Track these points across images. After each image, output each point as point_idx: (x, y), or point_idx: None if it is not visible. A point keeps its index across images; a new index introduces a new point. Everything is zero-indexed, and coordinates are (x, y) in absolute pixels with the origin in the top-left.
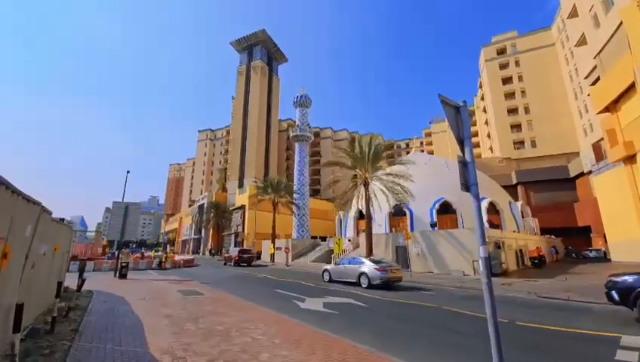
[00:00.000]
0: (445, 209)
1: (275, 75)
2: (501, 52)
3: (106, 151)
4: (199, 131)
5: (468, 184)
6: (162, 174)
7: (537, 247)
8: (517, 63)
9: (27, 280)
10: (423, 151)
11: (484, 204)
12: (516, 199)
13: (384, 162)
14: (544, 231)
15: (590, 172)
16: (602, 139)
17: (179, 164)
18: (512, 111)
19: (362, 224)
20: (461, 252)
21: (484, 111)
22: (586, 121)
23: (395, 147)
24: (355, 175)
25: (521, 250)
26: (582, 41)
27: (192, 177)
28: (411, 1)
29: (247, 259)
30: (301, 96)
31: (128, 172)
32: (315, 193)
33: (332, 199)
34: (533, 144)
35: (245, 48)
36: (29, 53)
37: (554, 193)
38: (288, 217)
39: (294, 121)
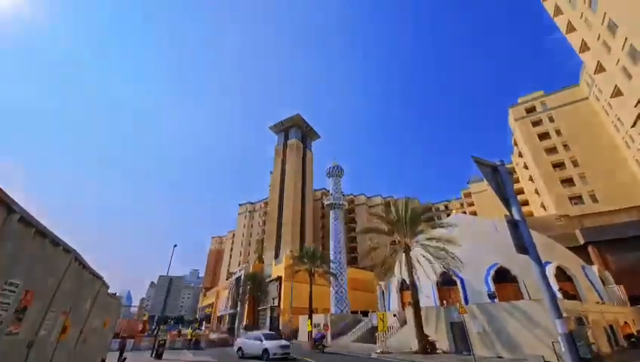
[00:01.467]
0: (503, 276)
1: (308, 150)
2: (530, 110)
3: (152, 224)
4: (240, 205)
5: (524, 245)
6: (205, 247)
7: (625, 322)
8: (551, 119)
9: (77, 353)
10: (464, 212)
11: (551, 269)
12: (588, 262)
13: (424, 226)
14: (634, 299)
15: None
16: None
17: (220, 237)
18: (559, 165)
19: (407, 295)
20: (533, 330)
21: (525, 167)
22: None
23: (433, 210)
24: (394, 241)
25: (611, 326)
26: (617, 93)
27: (232, 249)
28: (434, 65)
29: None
30: (333, 167)
31: (175, 246)
32: (352, 261)
33: (371, 268)
34: (594, 198)
35: (282, 130)
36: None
37: (637, 253)
38: (325, 289)
39: (328, 190)
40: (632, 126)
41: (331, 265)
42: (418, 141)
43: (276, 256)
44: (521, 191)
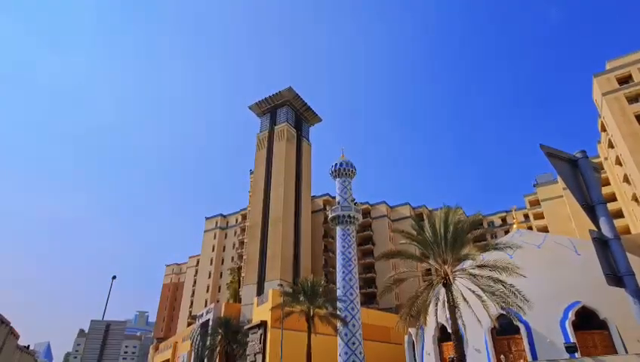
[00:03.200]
0: (586, 320)
1: (305, 140)
2: (624, 80)
3: (83, 250)
4: (207, 218)
5: (617, 274)
6: (157, 281)
7: None
8: None
9: None
10: (530, 228)
11: None
12: None
13: (472, 248)
14: None
15: None
16: None
17: (178, 265)
18: None
19: (448, 348)
20: None
21: (619, 163)
22: None
23: (485, 224)
24: (429, 269)
25: None
26: None
27: (195, 282)
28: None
29: None
30: (341, 163)
31: (114, 278)
32: (369, 299)
33: (396, 308)
34: None
35: (267, 111)
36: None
37: None
38: (331, 339)
39: (333, 197)
40: None
41: (339, 304)
42: (461, 130)
43: (259, 291)
44: (612, 198)
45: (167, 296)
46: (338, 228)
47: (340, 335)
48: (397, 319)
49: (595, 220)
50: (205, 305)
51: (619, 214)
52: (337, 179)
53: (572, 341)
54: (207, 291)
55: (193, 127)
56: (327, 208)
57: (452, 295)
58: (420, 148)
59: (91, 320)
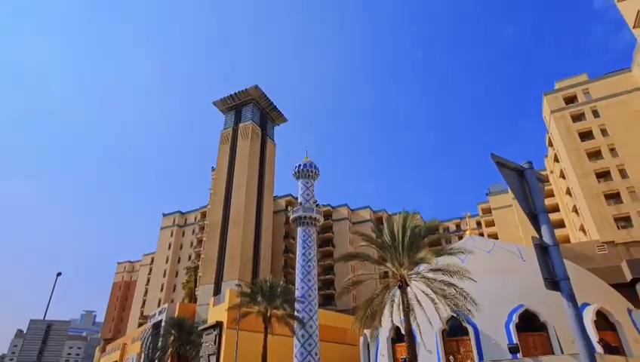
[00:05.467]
0: (529, 323)
1: (269, 139)
2: (570, 100)
3: (25, 244)
4: (164, 215)
5: (554, 279)
6: (106, 280)
7: None
8: (595, 113)
9: None
10: (482, 234)
11: (589, 314)
12: (637, 305)
13: (427, 252)
14: None
15: None
16: None
17: (131, 263)
18: (603, 175)
19: (401, 349)
20: None
21: (562, 176)
22: None
23: (440, 230)
24: (387, 272)
25: None
26: None
27: (149, 281)
28: (446, 52)
29: None
30: (304, 164)
31: (59, 274)
32: (327, 301)
33: (353, 310)
34: None
35: (232, 108)
36: None
37: None
38: (288, 340)
39: (295, 198)
40: None
41: (297, 305)
42: (422, 138)
43: (216, 291)
44: (555, 209)
45: (118, 295)
46: (299, 230)
47: (297, 336)
48: (353, 320)
49: (537, 228)
50: (159, 305)
51: (561, 224)
52: (300, 180)
53: (515, 342)
54: (162, 290)
55: (155, 120)
56: (289, 209)
57: (407, 297)
58: (384, 153)
59: (30, 320)
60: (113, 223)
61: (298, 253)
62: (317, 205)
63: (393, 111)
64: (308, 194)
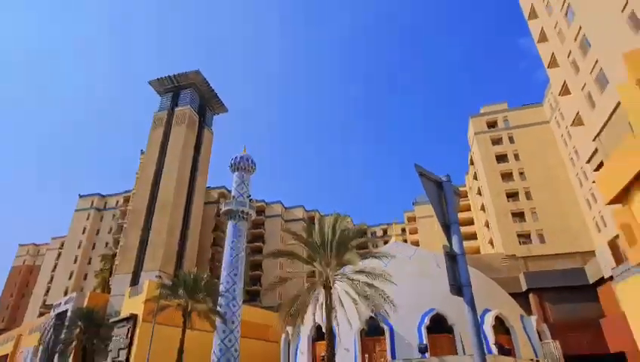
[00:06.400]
0: (439, 325)
1: (207, 128)
2: (492, 125)
3: None
4: (81, 196)
5: (459, 285)
6: (4, 262)
7: None
8: (511, 139)
9: None
10: (405, 240)
11: (489, 319)
12: (529, 312)
13: (353, 254)
14: (570, 359)
15: (611, 277)
16: (618, 236)
17: (36, 246)
18: (512, 195)
19: (322, 347)
20: None
21: (479, 193)
22: (596, 212)
23: (368, 234)
24: (314, 271)
25: None
26: (578, 122)
27: (56, 266)
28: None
29: None
30: (241, 157)
31: None
32: (252, 297)
33: (277, 307)
34: (542, 238)
35: (169, 90)
36: None
37: (575, 304)
38: (207, 336)
39: (229, 191)
40: (588, 161)
41: (220, 300)
42: (361, 148)
43: (134, 281)
44: (470, 222)
45: (17, 280)
46: (230, 223)
47: (218, 331)
48: (277, 317)
49: (449, 237)
50: (65, 294)
51: (474, 237)
52: (236, 173)
53: (425, 342)
54: (70, 278)
55: (84, 90)
56: (222, 201)
57: (330, 297)
58: (324, 157)
59: None
60: (17, 200)
61: (226, 246)
62: (250, 200)
63: (336, 119)
64: (242, 188)
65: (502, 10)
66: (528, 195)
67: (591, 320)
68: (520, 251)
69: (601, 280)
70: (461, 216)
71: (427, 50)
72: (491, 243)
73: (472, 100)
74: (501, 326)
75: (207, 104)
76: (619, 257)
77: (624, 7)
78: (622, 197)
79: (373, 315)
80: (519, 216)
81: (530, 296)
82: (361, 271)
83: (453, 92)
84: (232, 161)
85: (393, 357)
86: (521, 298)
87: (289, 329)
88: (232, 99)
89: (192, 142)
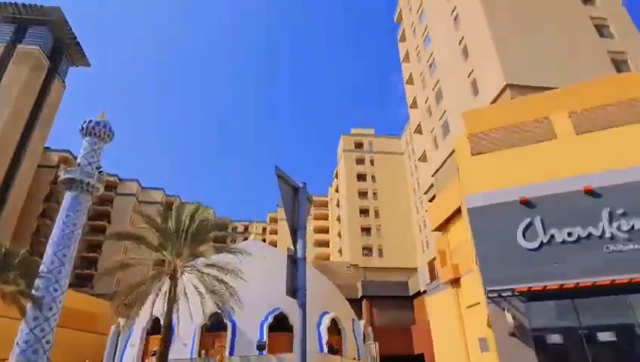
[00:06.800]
0: (281, 324)
1: (58, 79)
2: (359, 146)
3: None
4: None
5: (295, 287)
6: None
7: None
8: (372, 162)
9: None
10: (264, 240)
11: (326, 321)
12: (361, 316)
13: (209, 247)
14: (384, 359)
15: (425, 291)
16: (435, 258)
17: None
18: (364, 212)
19: (156, 341)
20: None
21: (338, 205)
22: (424, 236)
23: (229, 229)
24: (163, 260)
25: None
26: (424, 158)
27: None
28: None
29: None
30: (97, 122)
31: None
32: (83, 282)
33: (113, 295)
34: (381, 253)
35: (14, 20)
36: None
37: (396, 312)
38: (14, 324)
39: (75, 157)
40: (425, 193)
41: (39, 282)
42: (237, 138)
43: None
44: (326, 230)
45: None
46: (69, 194)
47: (27, 319)
48: (109, 306)
49: (294, 241)
50: None
51: (327, 244)
52: (87, 138)
53: (264, 340)
54: None
55: None
56: (63, 167)
57: (175, 288)
58: (199, 142)
59: None
60: None
61: (59, 220)
62: (100, 172)
63: (216, 109)
64: (92, 157)
65: (390, 45)
66: (377, 214)
67: (406, 326)
68: (362, 262)
69: (418, 293)
70: (319, 223)
71: (314, 61)
72: (340, 251)
73: (350, 118)
74: (335, 327)
75: (65, 51)
76: (434, 275)
77: (470, 74)
78: (443, 227)
79: (218, 311)
80: (367, 231)
81: (364, 302)
82: (213, 265)
83: (334, 107)
84: (84, 125)
85: (232, 353)
86: (356, 303)
87: (121, 320)
88: (102, 58)
89: (35, 90)
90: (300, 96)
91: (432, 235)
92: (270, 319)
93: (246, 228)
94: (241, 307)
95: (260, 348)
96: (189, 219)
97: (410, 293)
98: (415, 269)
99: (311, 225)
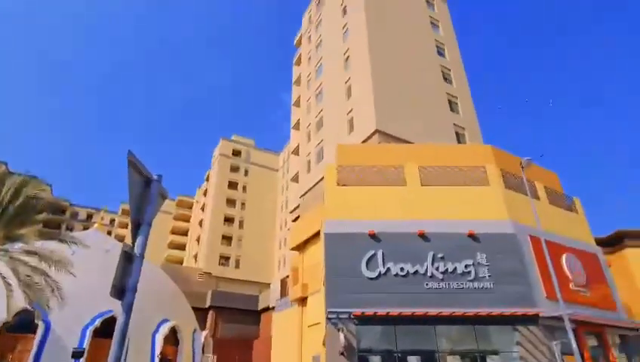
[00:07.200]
0: (111, 329)
1: None
2: (236, 153)
3: None
4: None
5: (124, 288)
6: None
7: None
8: (246, 172)
9: None
10: (110, 233)
11: (165, 329)
12: (204, 327)
13: (33, 230)
14: None
15: (273, 307)
16: (289, 276)
17: None
18: (229, 220)
19: None
20: None
21: (203, 209)
22: (283, 254)
23: (68, 213)
24: None
25: None
26: (296, 178)
27: None
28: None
29: None
30: None
31: None
32: None
33: None
34: (238, 264)
35: None
36: None
37: (242, 326)
38: None
39: None
40: (290, 212)
41: None
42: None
43: None
44: (185, 233)
45: None
46: None
47: None
48: None
49: (134, 236)
50: None
51: (183, 248)
52: None
53: (84, 347)
54: None
55: None
56: None
57: None
58: (43, 97)
59: None
60: None
61: None
62: None
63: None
64: None
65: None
66: (241, 224)
67: (249, 340)
68: (217, 271)
69: (267, 309)
70: (178, 224)
71: (199, 70)
72: (196, 257)
73: (234, 125)
74: (174, 337)
75: None
76: (285, 292)
77: (349, 112)
78: (301, 247)
79: (29, 308)
80: (228, 239)
81: (211, 312)
82: (34, 253)
83: (221, 111)
84: None
85: (37, 360)
86: (203, 313)
87: None
88: None
89: None
90: (190, 93)
91: (290, 254)
92: (97, 323)
93: (90, 217)
94: (62, 306)
95: (76, 355)
96: (11, 192)
97: (260, 308)
98: (269, 285)
99: (169, 224)
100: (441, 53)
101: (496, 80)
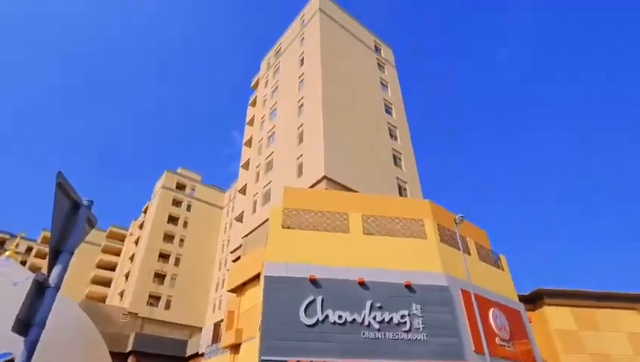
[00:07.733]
0: None
1: None
2: (181, 187)
3: None
4: None
5: (30, 322)
6: None
7: None
8: (189, 208)
9: None
10: (24, 262)
11: None
12: None
13: None
14: None
15: (203, 354)
16: (223, 320)
17: None
18: (165, 256)
19: None
20: None
21: (136, 243)
22: (219, 296)
23: None
24: None
25: None
26: (240, 218)
27: None
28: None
29: None
30: None
31: None
32: None
33: None
34: (168, 305)
35: None
36: None
37: None
38: None
39: None
40: (232, 252)
41: None
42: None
43: None
44: (113, 268)
45: None
46: None
47: None
48: None
49: (52, 265)
50: None
51: (108, 284)
52: None
53: None
54: None
55: None
56: None
57: None
58: None
59: None
60: None
61: None
62: None
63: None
64: None
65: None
66: (177, 262)
67: None
68: (144, 311)
69: (196, 355)
70: (107, 258)
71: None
72: (122, 295)
73: (180, 159)
74: None
75: None
76: (217, 338)
77: (299, 157)
78: (239, 289)
79: None
80: (160, 277)
81: (131, 357)
82: None
83: (168, 143)
84: None
85: None
86: (123, 358)
87: None
88: None
89: None
90: (139, 120)
91: (227, 296)
92: None
93: (3, 243)
94: None
95: None
96: None
97: (187, 354)
98: (200, 329)
99: (96, 257)
100: (388, 111)
101: (435, 139)
